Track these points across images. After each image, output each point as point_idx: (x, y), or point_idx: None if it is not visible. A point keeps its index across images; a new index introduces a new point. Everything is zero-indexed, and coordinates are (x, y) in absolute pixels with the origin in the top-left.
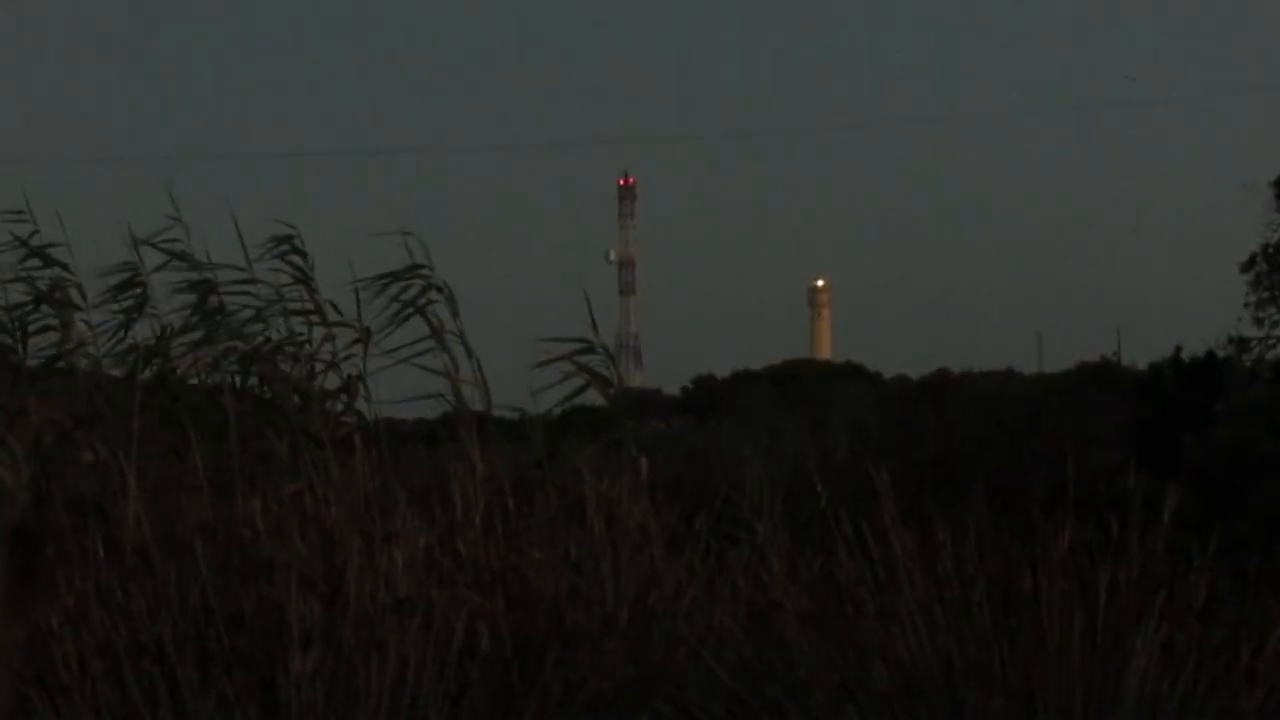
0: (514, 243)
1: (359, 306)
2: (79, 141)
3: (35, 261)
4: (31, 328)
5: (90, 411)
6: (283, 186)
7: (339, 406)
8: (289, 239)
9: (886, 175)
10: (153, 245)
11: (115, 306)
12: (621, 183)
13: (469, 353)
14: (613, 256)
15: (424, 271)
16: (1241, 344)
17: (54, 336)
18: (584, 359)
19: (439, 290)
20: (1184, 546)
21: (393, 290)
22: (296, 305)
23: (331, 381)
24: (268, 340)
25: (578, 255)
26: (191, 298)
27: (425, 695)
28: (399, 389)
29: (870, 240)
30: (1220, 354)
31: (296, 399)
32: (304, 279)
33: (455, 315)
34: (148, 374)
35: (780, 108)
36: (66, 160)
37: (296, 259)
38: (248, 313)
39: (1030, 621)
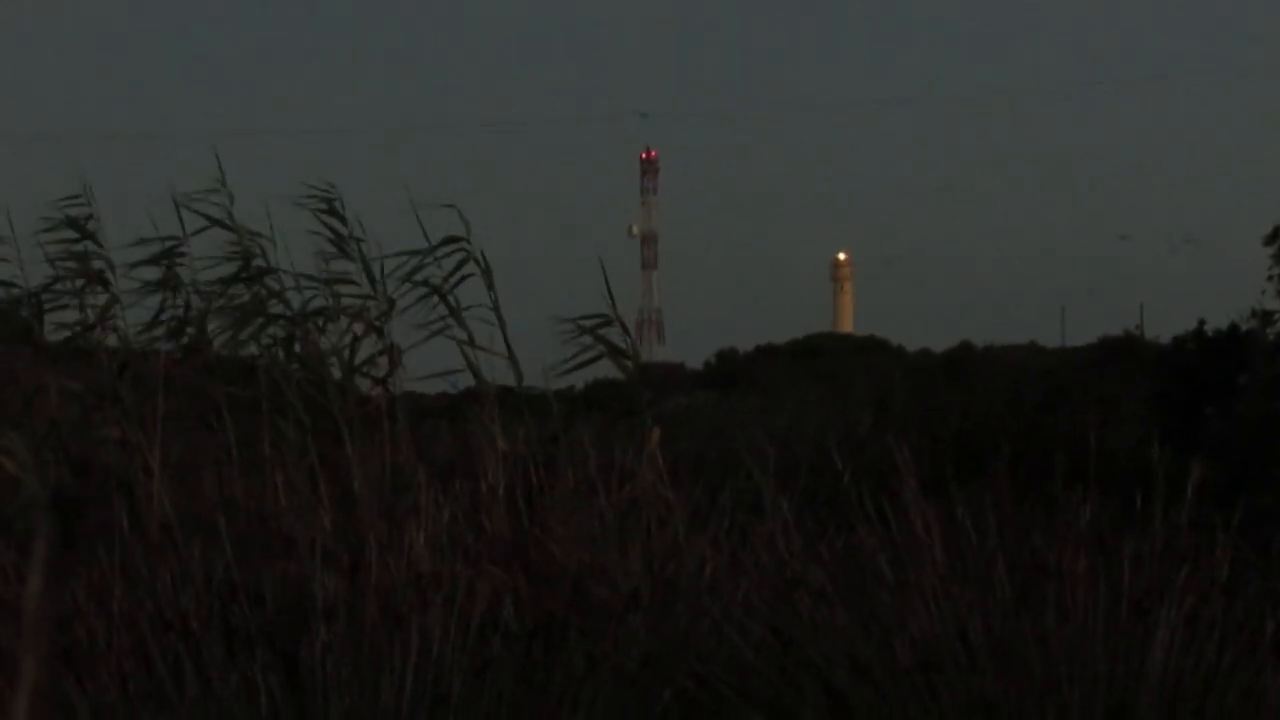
0: (537, 217)
1: (383, 278)
2: (100, 118)
3: (69, 232)
4: (50, 305)
5: (111, 390)
6: (301, 165)
7: (373, 378)
8: (328, 199)
9: (910, 149)
10: (193, 210)
11: (149, 278)
12: (643, 157)
13: (501, 326)
14: (635, 231)
15: (463, 244)
16: (1265, 317)
17: (76, 313)
18: (602, 332)
19: (476, 262)
20: (1207, 521)
21: (417, 264)
22: (332, 274)
23: (364, 353)
24: (292, 317)
25: (600, 230)
26: (230, 268)
27: (449, 669)
28: (423, 364)
29: (893, 214)
30: (1244, 327)
31: (306, 374)
32: (340, 245)
33: (490, 288)
34: (177, 347)
35: (803, 82)
36: (96, 136)
37: (335, 222)
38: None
39: (1053, 596)
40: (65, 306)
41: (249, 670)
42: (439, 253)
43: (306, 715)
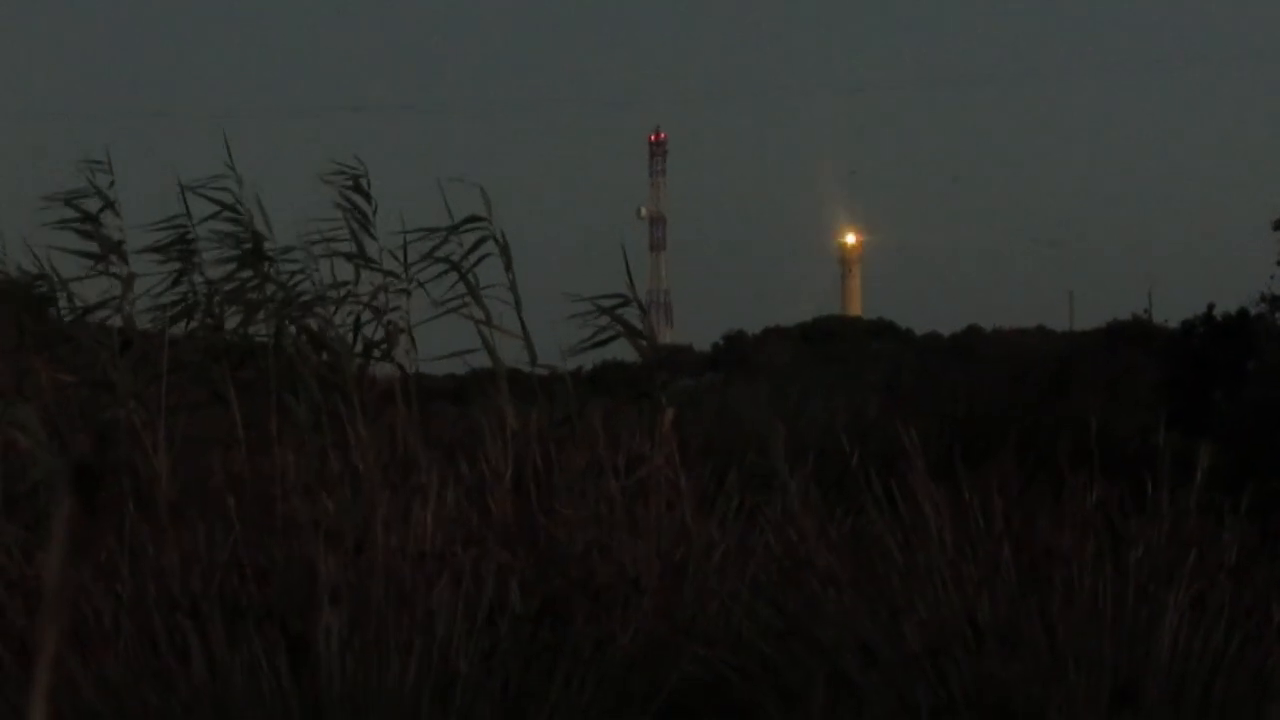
0: (545, 198)
1: (405, 257)
2: (121, 95)
3: (87, 225)
4: (54, 288)
5: (103, 376)
6: (316, 142)
7: (377, 356)
8: (355, 176)
9: (919, 132)
10: (201, 194)
11: (159, 258)
12: (652, 139)
13: (518, 306)
14: (643, 212)
15: (482, 223)
16: (1274, 302)
17: (91, 286)
18: (619, 313)
19: (496, 241)
20: (1215, 505)
21: (438, 242)
22: (348, 249)
23: (379, 332)
24: (304, 295)
25: (609, 211)
26: (236, 252)
27: (455, 651)
28: (436, 344)
29: (902, 197)
30: (1252, 312)
31: (324, 355)
32: (363, 222)
33: (508, 268)
34: (185, 329)
35: (811, 65)
36: (115, 114)
37: (358, 199)
38: (295, 261)
39: (1060, 579)
40: (63, 292)
41: (254, 650)
42: (460, 231)
43: (312, 695)
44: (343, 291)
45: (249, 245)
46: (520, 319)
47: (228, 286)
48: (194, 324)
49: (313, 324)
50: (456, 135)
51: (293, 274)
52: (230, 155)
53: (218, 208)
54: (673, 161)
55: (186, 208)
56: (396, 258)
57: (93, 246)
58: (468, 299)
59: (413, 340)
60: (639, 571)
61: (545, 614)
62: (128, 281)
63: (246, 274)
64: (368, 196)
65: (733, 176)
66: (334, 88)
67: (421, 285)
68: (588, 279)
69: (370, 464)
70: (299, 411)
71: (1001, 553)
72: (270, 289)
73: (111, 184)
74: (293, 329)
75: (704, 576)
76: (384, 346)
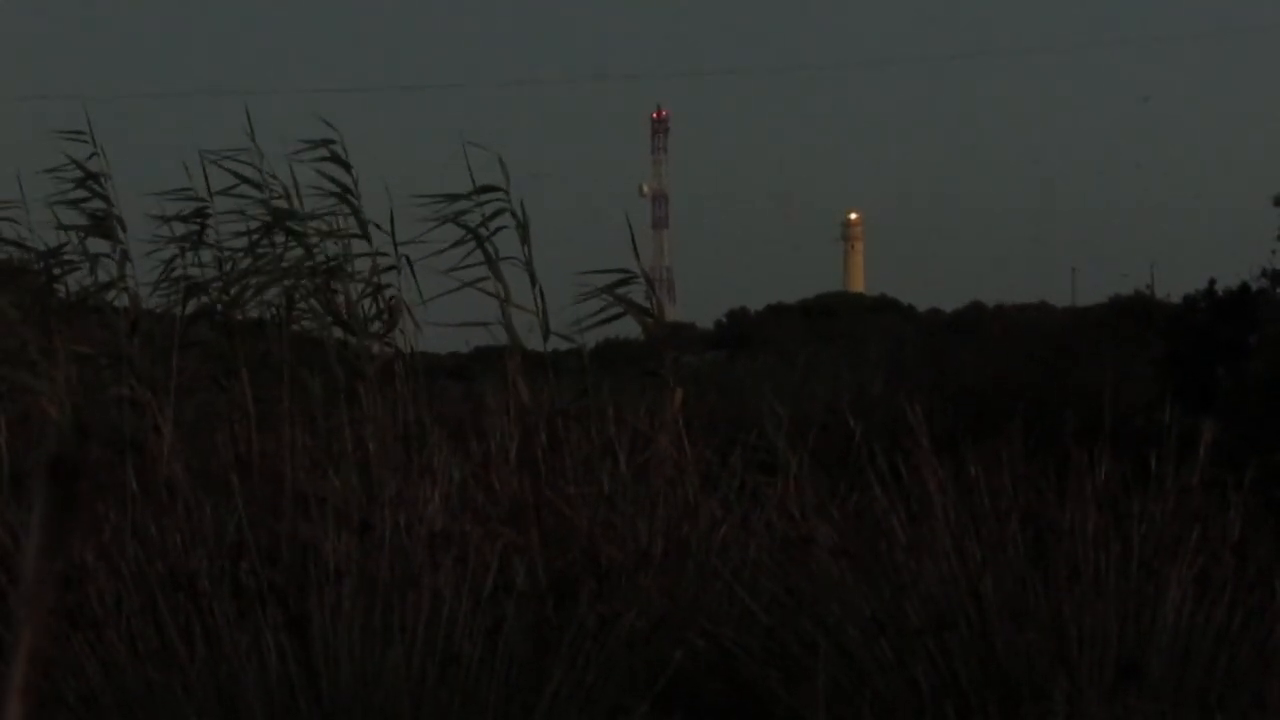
0: (546, 175)
1: (394, 229)
2: (123, 76)
3: (81, 191)
4: (63, 266)
5: (115, 349)
6: (306, 123)
7: (379, 330)
8: (328, 143)
9: (920, 109)
10: (222, 166)
11: (167, 234)
12: (655, 116)
13: (533, 281)
14: (645, 190)
15: (500, 193)
16: (1275, 277)
17: (91, 270)
18: (623, 290)
19: (514, 215)
20: (1219, 480)
21: (453, 208)
22: (338, 228)
23: (373, 308)
24: (313, 270)
25: (610, 189)
26: (250, 225)
27: (460, 629)
28: (444, 318)
29: (904, 174)
30: (1254, 287)
31: (339, 332)
32: (345, 194)
33: (525, 242)
34: (194, 307)
35: (814, 41)
36: (117, 95)
37: (337, 170)
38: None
39: (1064, 555)
40: (77, 268)
41: (259, 630)
42: (479, 201)
43: (316, 675)
44: (349, 265)
45: (268, 218)
46: (534, 294)
47: (244, 263)
48: (205, 300)
49: (327, 298)
50: (458, 115)
51: (310, 247)
52: (251, 128)
53: (237, 180)
54: (675, 139)
55: (206, 180)
56: (384, 231)
57: (86, 221)
58: (485, 271)
59: (411, 317)
60: (644, 550)
61: (550, 592)
62: (121, 259)
63: (265, 246)
64: (347, 166)
65: (735, 153)
66: (330, 65)
67: (438, 253)
68: (591, 256)
69: (384, 442)
70: (314, 386)
71: (1006, 528)
72: (290, 257)
73: (92, 155)
74: (313, 301)
75: (708, 554)
76: (383, 321)
